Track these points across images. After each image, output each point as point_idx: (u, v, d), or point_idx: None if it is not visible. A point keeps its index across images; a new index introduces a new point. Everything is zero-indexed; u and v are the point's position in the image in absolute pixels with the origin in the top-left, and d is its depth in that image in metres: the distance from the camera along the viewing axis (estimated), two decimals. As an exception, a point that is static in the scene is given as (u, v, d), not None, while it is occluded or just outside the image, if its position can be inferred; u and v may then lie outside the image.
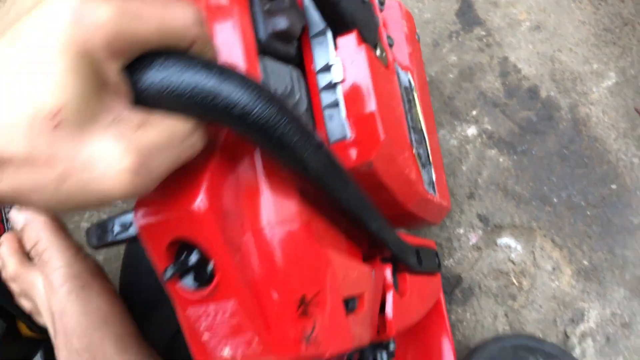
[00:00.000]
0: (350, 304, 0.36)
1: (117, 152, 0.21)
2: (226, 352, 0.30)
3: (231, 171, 0.29)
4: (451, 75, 0.58)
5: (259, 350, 0.31)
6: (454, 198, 0.55)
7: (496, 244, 0.54)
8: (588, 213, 0.53)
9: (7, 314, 0.57)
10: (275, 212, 0.30)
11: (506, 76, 0.57)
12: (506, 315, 0.53)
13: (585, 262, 0.52)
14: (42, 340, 0.62)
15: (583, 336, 0.51)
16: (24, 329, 0.61)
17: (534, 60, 0.57)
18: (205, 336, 0.31)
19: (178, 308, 0.31)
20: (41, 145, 0.20)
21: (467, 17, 0.59)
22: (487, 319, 0.53)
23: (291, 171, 0.27)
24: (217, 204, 0.28)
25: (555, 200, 0.54)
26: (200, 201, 0.27)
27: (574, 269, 0.52)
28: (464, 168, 0.56)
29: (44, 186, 0.21)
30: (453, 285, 0.54)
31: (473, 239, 0.55)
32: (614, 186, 0.53)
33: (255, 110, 0.23)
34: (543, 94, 0.56)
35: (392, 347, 0.40)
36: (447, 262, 0.54)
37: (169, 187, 0.28)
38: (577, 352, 0.51)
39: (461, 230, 0.55)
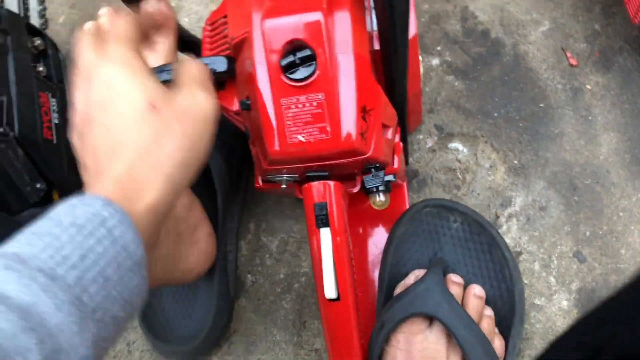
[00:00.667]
0: (384, 130, 0.50)
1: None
2: (301, 137, 0.44)
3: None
4: (423, 19, 0.73)
5: (327, 137, 0.44)
6: (418, 112, 0.70)
7: (447, 148, 0.68)
8: (520, 125, 0.67)
9: (47, 180, 0.71)
10: (355, 45, 0.44)
11: (465, 21, 0.72)
12: (451, 200, 0.67)
13: (516, 162, 0.66)
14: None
15: (509, 217, 0.65)
16: (56, 197, 0.74)
17: (488, 9, 0.72)
18: (289, 123, 0.44)
19: (270, 99, 0.44)
20: None
21: (438, -25, 0.74)
22: (436, 203, 0.67)
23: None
24: (329, 20, 0.43)
25: (495, 114, 0.68)
26: (320, 14, 0.42)
27: (506, 167, 0.66)
28: (427, 89, 0.70)
29: None
30: (411, 177, 0.68)
31: (429, 143, 0.69)
32: (541, 105, 0.67)
33: None
34: (493, 35, 0.71)
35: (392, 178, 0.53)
36: (409, 160, 0.69)
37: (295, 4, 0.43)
38: (504, 228, 0.64)
39: (420, 136, 0.69)
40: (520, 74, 0.68)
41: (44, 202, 0.75)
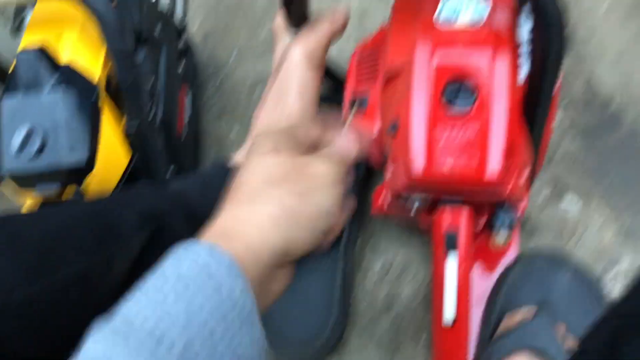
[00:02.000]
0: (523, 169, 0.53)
1: None
2: (448, 165, 0.47)
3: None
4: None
5: (474, 166, 0.47)
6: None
7: (561, 199, 0.71)
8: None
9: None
10: (510, 86, 0.48)
11: (589, 82, 0.76)
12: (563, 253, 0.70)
13: (628, 223, 0.69)
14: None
15: (616, 275, 0.67)
16: None
17: (616, 78, 0.75)
18: (439, 148, 0.47)
19: (424, 125, 0.47)
20: None
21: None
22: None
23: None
24: (494, 58, 0.47)
25: (612, 175, 0.71)
26: (488, 52, 0.47)
27: (616, 227, 0.69)
28: (547, 141, 0.74)
29: None
30: (524, 222, 0.71)
31: (544, 191, 0.72)
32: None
33: None
34: (615, 103, 0.74)
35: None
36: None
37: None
38: (607, 287, 0.67)
39: (537, 183, 0.72)
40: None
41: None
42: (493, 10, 0.49)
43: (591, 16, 0.78)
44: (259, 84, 0.87)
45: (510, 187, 0.50)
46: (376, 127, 0.57)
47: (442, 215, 0.53)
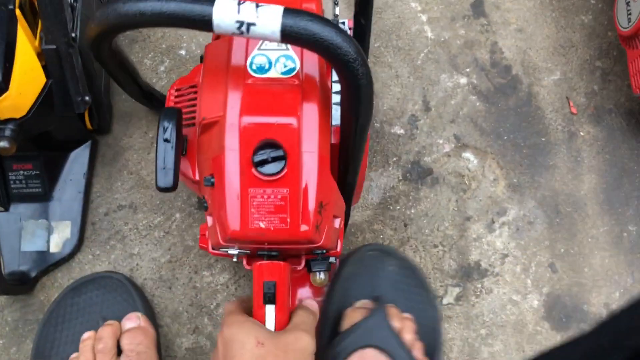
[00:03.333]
0: (333, 220, 0.55)
1: None
2: (262, 224, 0.48)
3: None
4: (458, 42, 0.84)
5: (286, 227, 0.49)
6: (441, 120, 0.80)
7: (460, 156, 0.79)
8: (524, 151, 0.79)
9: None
10: (320, 146, 0.48)
11: (493, 53, 0.84)
12: (456, 201, 0.77)
13: (515, 180, 0.78)
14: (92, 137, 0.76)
15: (502, 224, 0.76)
16: (87, 122, 0.76)
17: (513, 49, 0.84)
18: (253, 210, 0.48)
19: (237, 186, 0.47)
20: None
21: (478, 9, 0.86)
22: (444, 199, 0.77)
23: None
24: (300, 124, 0.47)
25: (505, 138, 0.80)
26: (295, 120, 0.46)
27: (507, 183, 0.78)
28: (452, 102, 0.81)
29: None
30: (427, 174, 0.78)
31: (446, 148, 0.79)
32: (543, 139, 0.80)
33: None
34: (514, 71, 0.83)
35: (334, 260, 0.59)
36: (427, 159, 0.79)
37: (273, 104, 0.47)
38: (496, 232, 0.76)
39: (440, 141, 0.79)
40: (531, 109, 0.81)
41: (81, 117, 0.75)
42: (302, 64, 0.50)
43: (497, -7, 0.86)
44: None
45: (323, 239, 0.51)
46: (196, 172, 0.57)
47: (260, 269, 0.54)
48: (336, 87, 0.54)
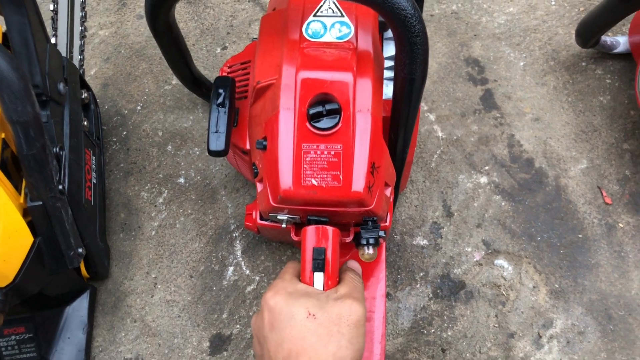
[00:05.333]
0: (385, 188, 0.54)
1: None
2: (314, 181, 0.48)
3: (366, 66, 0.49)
4: (472, 139, 0.78)
5: (338, 185, 0.48)
6: (466, 225, 0.74)
7: (493, 264, 0.72)
8: (561, 251, 0.72)
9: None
10: (373, 106, 0.48)
11: (512, 147, 0.78)
12: (496, 316, 0.70)
13: (557, 286, 0.71)
14: (90, 285, 0.70)
15: (551, 338, 0.68)
16: (83, 270, 0.70)
17: (532, 140, 0.79)
18: (306, 166, 0.48)
19: (291, 142, 0.48)
20: None
21: (488, 102, 0.81)
22: (482, 316, 0.69)
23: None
24: (356, 81, 0.48)
25: (539, 238, 0.73)
26: (351, 75, 0.47)
27: (548, 289, 0.71)
28: (475, 204, 0.75)
29: None
30: (459, 288, 0.71)
31: (477, 256, 0.72)
32: (580, 235, 0.73)
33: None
34: (537, 164, 0.77)
35: (384, 234, 0.57)
36: (456, 271, 0.72)
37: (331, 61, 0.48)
38: (545, 348, 0.68)
39: (469, 249, 0.72)
40: (562, 204, 0.75)
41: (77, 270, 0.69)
42: (357, 31, 0.51)
43: (511, 73, 0.81)
44: (174, 139, 0.80)
45: (374, 203, 0.50)
46: (247, 141, 0.58)
47: (309, 234, 0.52)
48: (388, 62, 0.57)
